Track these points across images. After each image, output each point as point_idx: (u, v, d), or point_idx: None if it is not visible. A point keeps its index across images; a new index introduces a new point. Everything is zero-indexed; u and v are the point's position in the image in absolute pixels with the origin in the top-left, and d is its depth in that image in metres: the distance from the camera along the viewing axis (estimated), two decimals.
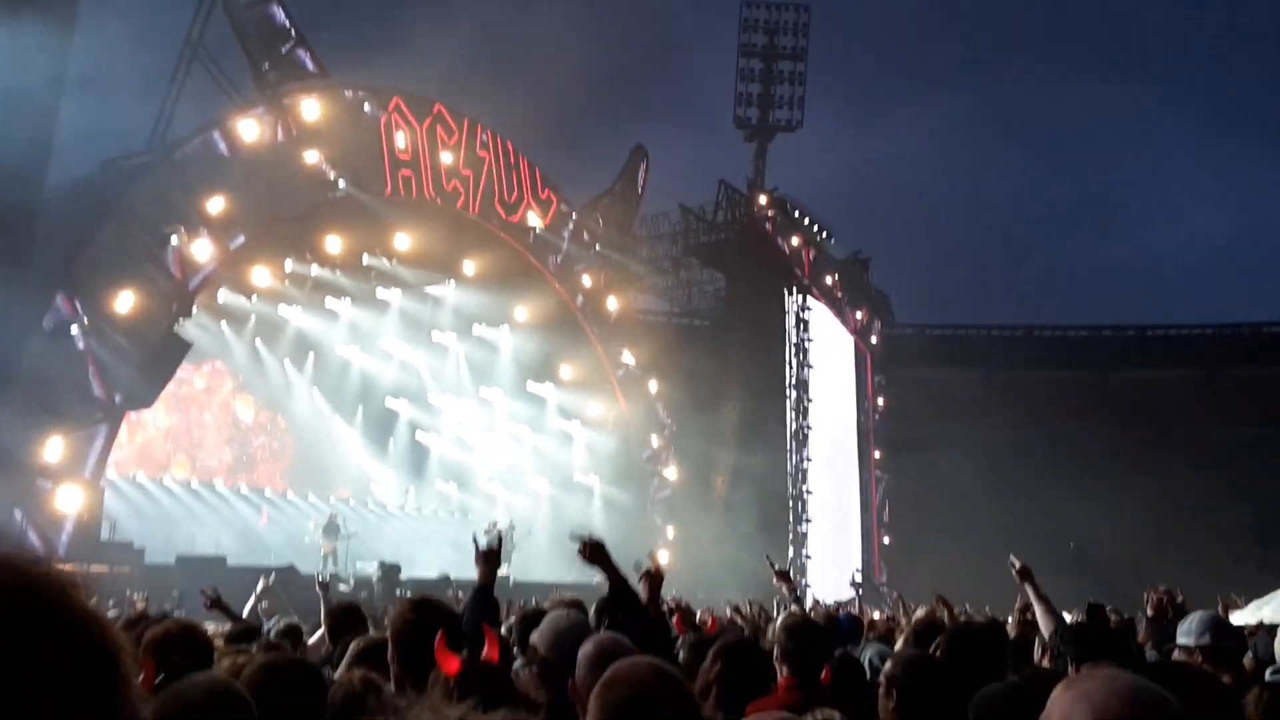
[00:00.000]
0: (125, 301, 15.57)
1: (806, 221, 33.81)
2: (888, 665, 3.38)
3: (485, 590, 4.45)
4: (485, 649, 3.12)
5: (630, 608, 4.28)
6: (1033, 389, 40.66)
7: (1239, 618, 8.19)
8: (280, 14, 18.11)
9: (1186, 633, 3.90)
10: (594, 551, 4.49)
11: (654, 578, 4.79)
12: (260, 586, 8.22)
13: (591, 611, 4.58)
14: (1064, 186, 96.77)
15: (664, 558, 26.03)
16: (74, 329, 14.98)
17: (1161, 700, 1.54)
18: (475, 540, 4.76)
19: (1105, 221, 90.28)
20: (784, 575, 7.52)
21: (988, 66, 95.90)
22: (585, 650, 2.97)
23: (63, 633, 0.84)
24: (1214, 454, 39.51)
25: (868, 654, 5.47)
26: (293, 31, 18.25)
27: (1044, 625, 4.85)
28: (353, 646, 3.76)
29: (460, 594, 11.48)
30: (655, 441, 26.92)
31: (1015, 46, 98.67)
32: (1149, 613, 6.77)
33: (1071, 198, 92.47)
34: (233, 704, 2.14)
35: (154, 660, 2.84)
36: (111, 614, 8.77)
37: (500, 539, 4.84)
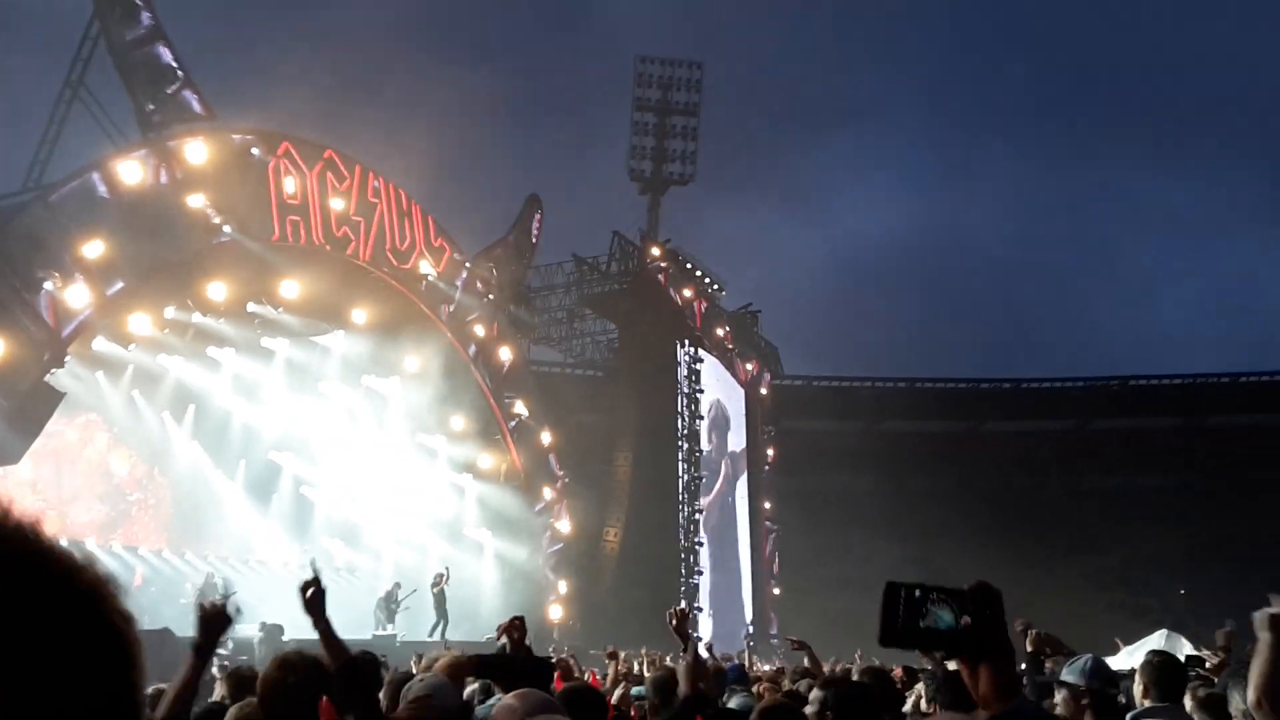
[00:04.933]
0: None
1: (698, 274, 34.34)
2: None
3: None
4: None
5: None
6: (912, 440, 41.75)
7: (1115, 663, 8.54)
8: (167, 54, 17.64)
9: (1077, 672, 4.07)
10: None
11: (517, 633, 4.67)
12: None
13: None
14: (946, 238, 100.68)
15: (556, 612, 25.76)
16: None
17: None
18: (219, 587, 4.23)
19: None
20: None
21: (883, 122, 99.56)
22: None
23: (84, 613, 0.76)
24: (1085, 503, 41.09)
25: (733, 703, 5.69)
26: (180, 72, 17.80)
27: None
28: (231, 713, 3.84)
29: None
30: (548, 494, 26.65)
31: (893, 99, 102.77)
32: (1028, 648, 7.07)
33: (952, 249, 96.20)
34: None
35: None
36: None
37: (227, 599, 4.16)
